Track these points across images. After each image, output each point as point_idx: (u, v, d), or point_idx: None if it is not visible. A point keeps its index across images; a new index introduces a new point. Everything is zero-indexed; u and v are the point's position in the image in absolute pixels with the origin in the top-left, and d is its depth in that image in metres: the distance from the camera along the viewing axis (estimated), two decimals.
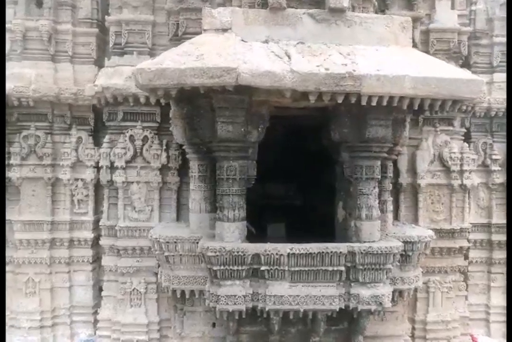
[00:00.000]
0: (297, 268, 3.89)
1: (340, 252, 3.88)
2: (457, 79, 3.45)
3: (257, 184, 4.45)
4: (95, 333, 5.37)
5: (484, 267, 5.78)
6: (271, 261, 3.85)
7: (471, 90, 3.46)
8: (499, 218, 5.69)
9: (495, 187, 5.70)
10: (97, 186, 5.46)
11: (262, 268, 3.87)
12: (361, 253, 3.90)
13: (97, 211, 5.49)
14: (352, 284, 3.99)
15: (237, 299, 3.90)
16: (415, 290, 5.13)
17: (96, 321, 5.39)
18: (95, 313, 5.44)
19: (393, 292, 4.35)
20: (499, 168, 5.66)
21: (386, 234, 4.37)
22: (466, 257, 5.61)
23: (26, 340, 5.23)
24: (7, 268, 5.41)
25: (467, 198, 5.42)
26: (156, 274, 5.03)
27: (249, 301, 3.94)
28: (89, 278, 5.51)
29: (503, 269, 5.69)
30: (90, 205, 5.46)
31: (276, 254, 3.83)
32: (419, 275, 4.64)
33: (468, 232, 5.38)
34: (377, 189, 4.19)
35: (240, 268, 3.85)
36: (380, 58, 3.69)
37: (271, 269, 3.88)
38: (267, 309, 3.93)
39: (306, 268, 3.90)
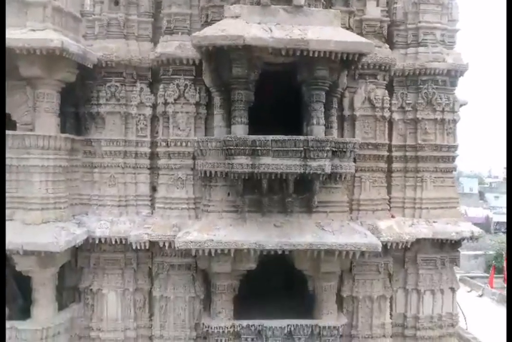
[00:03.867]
0: (276, 148, 7.00)
1: (301, 140, 6.99)
2: (355, 41, 6.63)
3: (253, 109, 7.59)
4: (152, 213, 8.50)
5: (401, 173, 8.88)
6: (261, 144, 6.96)
7: (359, 48, 6.65)
8: (410, 141, 8.79)
9: (408, 121, 8.80)
10: (153, 119, 8.59)
11: (257, 148, 6.98)
12: (312, 141, 7.02)
13: (153, 134, 8.61)
14: (308, 159, 7.10)
15: (242, 165, 7.00)
16: (352, 179, 8.34)
17: (152, 205, 8.53)
18: (151, 200, 8.59)
19: (335, 174, 7.51)
20: (410, 109, 8.75)
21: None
22: (389, 164, 8.73)
23: (110, 213, 8.35)
24: (96, 170, 8.52)
25: (386, 126, 8.55)
26: (192, 168, 8.17)
27: (249, 167, 7.04)
28: (147, 178, 8.63)
29: (414, 174, 8.78)
30: (148, 131, 8.58)
31: (265, 139, 6.95)
32: (352, 165, 7.75)
33: (388, 146, 8.53)
34: (323, 109, 7.35)
35: (244, 148, 6.97)
36: (320, 32, 6.84)
37: (262, 149, 6.99)
38: (260, 171, 7.02)
39: (282, 149, 7.01)
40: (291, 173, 7.10)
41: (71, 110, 8.57)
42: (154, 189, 8.63)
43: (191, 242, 7.08)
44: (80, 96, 8.49)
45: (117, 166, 8.42)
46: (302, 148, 7.02)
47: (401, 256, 8.68)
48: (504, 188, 60.45)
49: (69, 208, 8.12)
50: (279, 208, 7.74)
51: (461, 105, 9.34)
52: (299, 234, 7.37)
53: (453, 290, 8.88)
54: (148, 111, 8.49)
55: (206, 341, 8.03)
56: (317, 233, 7.43)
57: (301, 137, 7.02)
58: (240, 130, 7.16)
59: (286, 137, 6.97)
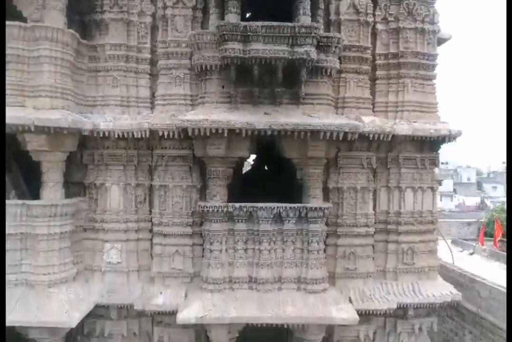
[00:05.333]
0: (266, 34, 7.61)
1: (289, 26, 7.56)
2: None
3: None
4: (152, 112, 9.10)
5: (385, 80, 9.49)
6: (252, 30, 7.52)
7: None
8: (393, 49, 9.41)
9: (390, 31, 9.39)
10: (153, 28, 9.22)
11: (248, 34, 7.56)
12: (298, 27, 7.61)
13: (153, 43, 9.22)
14: (295, 46, 7.71)
15: (235, 50, 7.55)
16: (338, 80, 8.98)
17: (152, 108, 9.15)
18: (151, 103, 9.22)
19: (320, 68, 8.17)
20: (393, 19, 9.37)
21: None
22: (373, 71, 9.37)
23: (113, 112, 8.97)
24: (100, 73, 9.14)
25: (370, 31, 9.18)
26: (189, 68, 8.79)
27: (241, 53, 7.62)
28: (147, 83, 9.22)
29: (396, 80, 9.39)
30: (148, 38, 9.16)
31: (255, 25, 7.55)
32: (336, 61, 8.38)
33: (371, 50, 9.16)
34: (309, 2, 7.98)
35: (236, 33, 7.57)
36: None
37: (252, 35, 7.52)
38: (250, 56, 7.63)
39: (271, 35, 7.58)
40: (279, 59, 7.72)
41: (76, 18, 9.20)
42: (153, 95, 9.27)
43: (188, 121, 7.72)
44: (84, 4, 9.12)
45: (119, 70, 9.03)
46: (289, 34, 7.64)
47: (384, 156, 9.31)
48: (501, 179, 61.14)
49: (75, 106, 8.72)
50: (269, 99, 8.39)
51: (444, 40, 10.02)
52: (288, 119, 8.00)
53: (432, 189, 9.51)
54: (148, 19, 9.13)
55: (202, 227, 8.66)
56: (304, 118, 8.08)
57: (289, 24, 7.64)
58: (233, 18, 7.80)
59: (275, 23, 7.60)
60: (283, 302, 8.15)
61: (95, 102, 9.10)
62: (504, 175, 50.00)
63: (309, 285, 8.34)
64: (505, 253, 19.61)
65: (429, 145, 9.27)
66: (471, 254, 23.62)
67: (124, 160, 9.00)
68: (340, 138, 7.94)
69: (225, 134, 7.81)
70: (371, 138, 8.64)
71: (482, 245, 23.46)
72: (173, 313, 8.42)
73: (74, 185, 9.17)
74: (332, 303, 8.22)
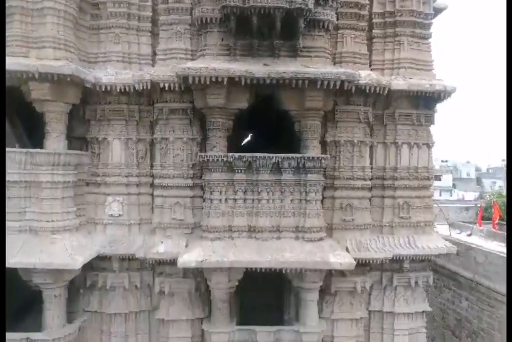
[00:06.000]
0: None
1: None
2: None
3: None
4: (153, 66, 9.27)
5: (381, 39, 9.67)
6: None
7: None
8: (389, 8, 9.61)
9: None
10: None
11: None
12: None
13: (154, 1, 9.42)
14: None
15: None
16: (335, 36, 9.18)
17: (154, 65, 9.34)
18: (153, 60, 9.40)
19: (318, 21, 8.36)
20: None
21: None
22: (369, 30, 9.55)
23: (115, 67, 9.15)
24: (102, 31, 9.33)
25: None
26: (189, 24, 8.99)
27: (240, 2, 7.84)
28: (149, 40, 9.43)
29: (393, 39, 9.60)
30: None
31: None
32: (333, 15, 8.56)
33: (368, 6, 9.35)
34: None
35: None
36: None
37: None
38: (250, 5, 7.82)
39: None
40: (278, 8, 7.85)
41: None
42: (155, 53, 9.45)
43: (189, 68, 7.91)
44: None
45: (121, 27, 9.21)
46: None
47: (381, 114, 9.51)
48: (500, 174, 61.31)
49: (78, 62, 8.89)
50: (268, 52, 8.58)
51: (440, 10, 10.20)
52: (286, 69, 8.18)
53: (428, 146, 9.69)
54: None
55: (202, 177, 8.84)
56: (301, 68, 8.25)
57: None
58: None
59: None
60: (281, 249, 8.33)
61: (97, 58, 9.27)
62: (504, 170, 50.20)
63: (307, 234, 8.52)
64: (502, 232, 19.78)
65: (425, 102, 9.45)
66: (469, 235, 23.80)
67: (125, 115, 9.19)
68: (337, 87, 8.11)
69: (225, 83, 7.98)
70: (367, 91, 8.81)
71: (480, 226, 23.65)
72: (174, 262, 8.60)
73: (76, 140, 9.34)
74: (329, 250, 8.40)
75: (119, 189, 9.18)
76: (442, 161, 73.95)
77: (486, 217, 26.04)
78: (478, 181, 70.10)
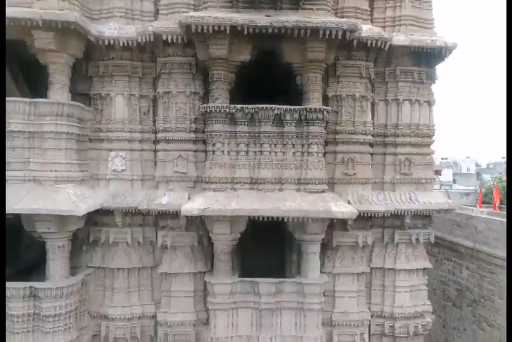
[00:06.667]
0: None
1: None
2: None
3: None
4: None
5: None
6: None
7: None
8: None
9: None
10: None
11: None
12: None
13: None
14: None
15: None
16: None
17: (156, 17, 9.38)
18: (155, 17, 9.45)
19: None
20: None
21: None
22: None
23: (118, 22, 9.20)
24: None
25: None
26: None
27: None
28: None
29: None
30: None
31: None
32: None
33: None
34: None
35: None
36: None
37: None
38: None
39: None
40: None
41: None
42: (157, 11, 9.47)
43: (191, 17, 7.92)
44: None
45: None
46: None
47: (382, 71, 9.56)
48: (500, 169, 61.31)
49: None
50: (271, 4, 8.59)
51: None
52: (288, 18, 8.21)
53: (429, 103, 9.73)
54: None
55: (205, 129, 8.88)
56: (304, 18, 8.29)
57: None
58: None
59: None
60: (283, 199, 8.37)
61: (100, 15, 9.31)
62: (504, 166, 50.23)
63: (309, 185, 8.56)
64: (503, 213, 19.82)
65: (426, 59, 9.49)
66: None
67: (128, 71, 9.22)
68: (339, 37, 8.15)
69: (227, 32, 8.02)
70: (369, 45, 8.85)
71: (481, 207, 23.69)
72: (176, 215, 8.67)
73: (79, 96, 9.37)
74: (331, 200, 8.44)
75: (122, 144, 9.23)
76: (442, 158, 73.96)
77: (486, 202, 26.11)
78: (478, 176, 70.14)
